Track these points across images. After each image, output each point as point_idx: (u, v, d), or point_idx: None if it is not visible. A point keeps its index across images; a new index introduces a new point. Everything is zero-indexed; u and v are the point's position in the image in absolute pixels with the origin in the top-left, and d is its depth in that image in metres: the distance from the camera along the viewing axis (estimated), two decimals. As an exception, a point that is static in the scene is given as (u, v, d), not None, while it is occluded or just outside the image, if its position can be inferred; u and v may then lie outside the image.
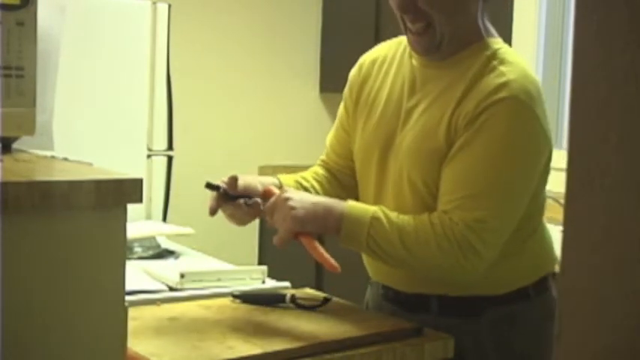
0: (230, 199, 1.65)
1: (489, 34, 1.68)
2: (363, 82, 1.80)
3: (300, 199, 1.60)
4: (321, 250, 1.58)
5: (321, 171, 1.88)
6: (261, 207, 1.65)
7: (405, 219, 1.58)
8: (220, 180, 1.66)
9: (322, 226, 1.60)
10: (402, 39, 1.76)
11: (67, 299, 1.07)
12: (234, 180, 1.64)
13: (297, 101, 4.39)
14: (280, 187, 1.71)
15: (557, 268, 1.82)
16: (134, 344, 1.35)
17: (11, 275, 1.02)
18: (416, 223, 1.57)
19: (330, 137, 1.91)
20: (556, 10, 3.60)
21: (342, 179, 1.86)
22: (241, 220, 1.69)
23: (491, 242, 1.56)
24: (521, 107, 1.55)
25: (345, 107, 1.85)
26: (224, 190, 1.64)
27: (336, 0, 4.28)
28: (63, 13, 1.78)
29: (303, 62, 4.39)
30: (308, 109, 4.41)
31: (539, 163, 1.61)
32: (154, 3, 2.77)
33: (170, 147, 2.88)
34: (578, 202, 0.72)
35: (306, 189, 1.78)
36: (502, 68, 1.58)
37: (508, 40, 3.67)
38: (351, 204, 1.62)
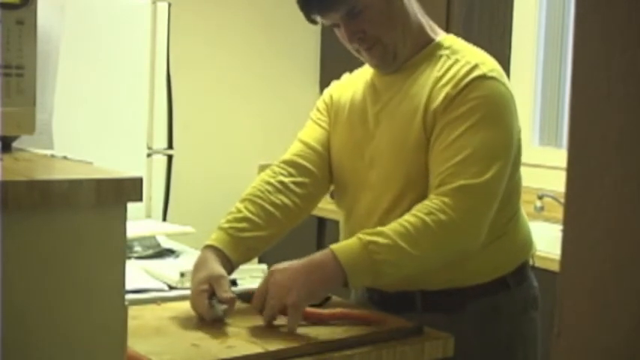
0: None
1: (434, 31, 1.77)
2: (331, 103, 1.97)
3: (283, 274, 1.54)
4: (352, 311, 1.61)
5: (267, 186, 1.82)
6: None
7: (391, 226, 1.57)
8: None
9: (324, 281, 1.55)
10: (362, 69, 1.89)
11: (66, 298, 1.07)
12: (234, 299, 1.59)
13: (298, 100, 4.39)
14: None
15: (538, 258, 1.88)
16: (134, 343, 1.35)
17: (11, 274, 1.02)
18: (402, 223, 1.57)
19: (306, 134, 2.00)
20: (556, 10, 3.60)
21: (309, 167, 1.87)
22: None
23: (483, 200, 1.60)
24: (496, 82, 1.66)
25: (325, 110, 2.00)
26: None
27: None
28: (62, 13, 1.78)
29: (303, 62, 4.39)
30: (308, 108, 4.38)
31: (516, 132, 1.68)
32: (154, 2, 2.77)
33: (170, 146, 2.88)
34: (578, 202, 0.72)
35: (244, 238, 1.72)
36: (466, 58, 1.69)
37: (508, 40, 3.68)
38: (334, 247, 1.57)
